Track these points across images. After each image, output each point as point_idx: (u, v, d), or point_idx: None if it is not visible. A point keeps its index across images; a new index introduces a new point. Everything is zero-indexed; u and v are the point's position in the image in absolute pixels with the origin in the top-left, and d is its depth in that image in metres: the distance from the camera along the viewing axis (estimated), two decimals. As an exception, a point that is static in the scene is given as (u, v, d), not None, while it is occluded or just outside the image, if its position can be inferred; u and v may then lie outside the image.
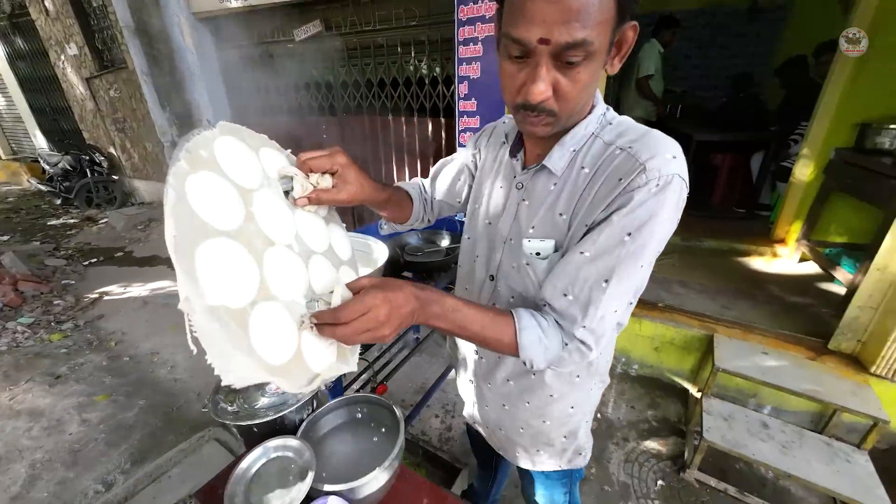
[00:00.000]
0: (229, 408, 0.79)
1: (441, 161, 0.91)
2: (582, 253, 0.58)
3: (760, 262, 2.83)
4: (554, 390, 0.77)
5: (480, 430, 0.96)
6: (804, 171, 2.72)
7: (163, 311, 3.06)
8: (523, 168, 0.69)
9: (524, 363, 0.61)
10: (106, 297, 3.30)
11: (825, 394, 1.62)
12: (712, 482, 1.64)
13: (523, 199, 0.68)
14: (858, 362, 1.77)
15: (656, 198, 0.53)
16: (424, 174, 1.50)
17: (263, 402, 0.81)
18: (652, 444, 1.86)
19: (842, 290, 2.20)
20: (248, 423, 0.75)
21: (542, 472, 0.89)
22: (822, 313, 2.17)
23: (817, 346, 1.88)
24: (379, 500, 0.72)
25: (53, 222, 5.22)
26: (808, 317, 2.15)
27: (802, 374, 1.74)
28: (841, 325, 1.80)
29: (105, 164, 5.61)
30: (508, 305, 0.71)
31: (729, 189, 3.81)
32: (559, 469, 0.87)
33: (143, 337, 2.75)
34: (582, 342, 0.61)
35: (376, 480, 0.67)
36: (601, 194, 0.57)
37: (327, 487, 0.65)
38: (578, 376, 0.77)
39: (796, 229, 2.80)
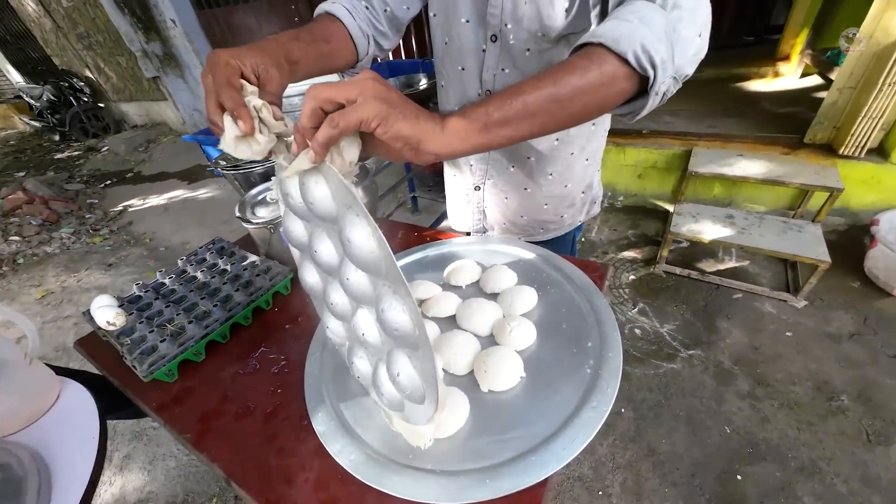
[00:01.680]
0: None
1: None
2: None
3: (759, 84, 2.71)
4: (575, 146, 0.77)
5: (491, 233, 0.96)
6: (818, -36, 2.42)
7: (183, 213, 3.30)
8: None
9: (643, 64, 0.41)
10: (130, 209, 3.56)
11: (787, 176, 1.72)
12: (677, 271, 1.87)
13: None
14: (830, 149, 1.82)
15: None
16: None
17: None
18: (629, 253, 2.08)
19: (835, 92, 2.14)
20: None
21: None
22: (809, 117, 2.16)
23: (793, 142, 1.92)
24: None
25: (60, 156, 5.35)
26: (793, 121, 2.14)
27: (774, 167, 1.82)
28: (818, 115, 1.81)
29: (87, 90, 5.47)
30: (526, 59, 0.64)
31: (739, 13, 3.43)
32: (577, 224, 0.92)
33: (171, 233, 3.04)
34: None
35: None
36: None
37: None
38: (594, 124, 0.77)
39: (801, 41, 2.60)
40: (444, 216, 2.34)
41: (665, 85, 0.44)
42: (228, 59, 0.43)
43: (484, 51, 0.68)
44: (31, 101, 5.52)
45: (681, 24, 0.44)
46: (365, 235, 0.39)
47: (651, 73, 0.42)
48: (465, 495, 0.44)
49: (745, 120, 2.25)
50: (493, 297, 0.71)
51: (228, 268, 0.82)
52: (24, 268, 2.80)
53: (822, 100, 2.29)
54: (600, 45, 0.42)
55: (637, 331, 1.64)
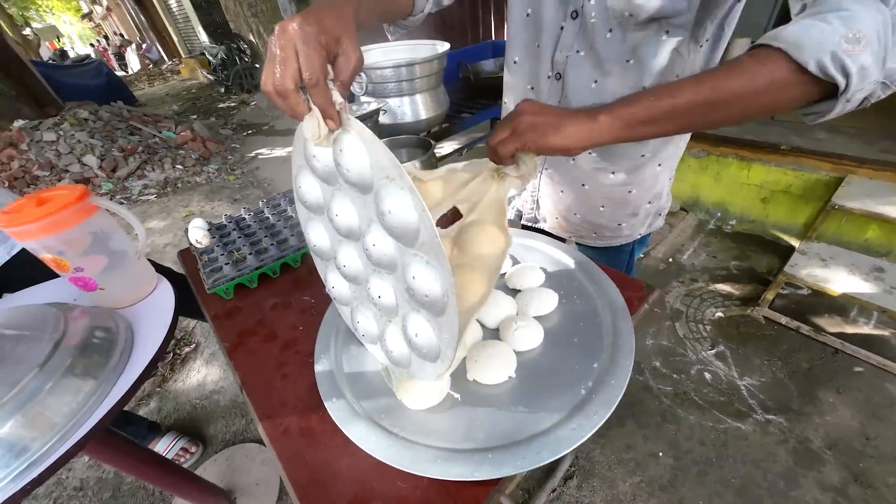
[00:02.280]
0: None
1: None
2: None
3: None
4: (647, 147, 0.71)
5: (542, 225, 0.91)
6: None
7: (297, 165, 3.80)
8: None
9: (829, 71, 0.37)
10: (259, 156, 4.20)
11: None
12: (783, 320, 1.55)
13: None
14: None
15: None
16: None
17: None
18: (724, 287, 1.78)
19: None
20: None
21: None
22: None
23: None
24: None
25: (221, 105, 6.51)
26: None
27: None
28: None
29: (248, 52, 6.50)
30: (605, 41, 0.60)
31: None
32: (637, 237, 0.85)
33: (285, 182, 3.52)
34: None
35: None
36: None
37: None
38: None
39: None
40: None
41: (865, 92, 0.39)
42: (320, 38, 0.38)
43: (562, 28, 0.64)
44: (210, 58, 6.77)
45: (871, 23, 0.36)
46: (407, 208, 0.40)
47: (842, 81, 0.38)
48: (415, 466, 0.45)
49: (944, 150, 1.69)
50: (515, 293, 0.68)
51: (294, 215, 0.94)
52: (180, 191, 3.54)
53: None
54: (778, 49, 0.39)
55: (707, 375, 1.42)
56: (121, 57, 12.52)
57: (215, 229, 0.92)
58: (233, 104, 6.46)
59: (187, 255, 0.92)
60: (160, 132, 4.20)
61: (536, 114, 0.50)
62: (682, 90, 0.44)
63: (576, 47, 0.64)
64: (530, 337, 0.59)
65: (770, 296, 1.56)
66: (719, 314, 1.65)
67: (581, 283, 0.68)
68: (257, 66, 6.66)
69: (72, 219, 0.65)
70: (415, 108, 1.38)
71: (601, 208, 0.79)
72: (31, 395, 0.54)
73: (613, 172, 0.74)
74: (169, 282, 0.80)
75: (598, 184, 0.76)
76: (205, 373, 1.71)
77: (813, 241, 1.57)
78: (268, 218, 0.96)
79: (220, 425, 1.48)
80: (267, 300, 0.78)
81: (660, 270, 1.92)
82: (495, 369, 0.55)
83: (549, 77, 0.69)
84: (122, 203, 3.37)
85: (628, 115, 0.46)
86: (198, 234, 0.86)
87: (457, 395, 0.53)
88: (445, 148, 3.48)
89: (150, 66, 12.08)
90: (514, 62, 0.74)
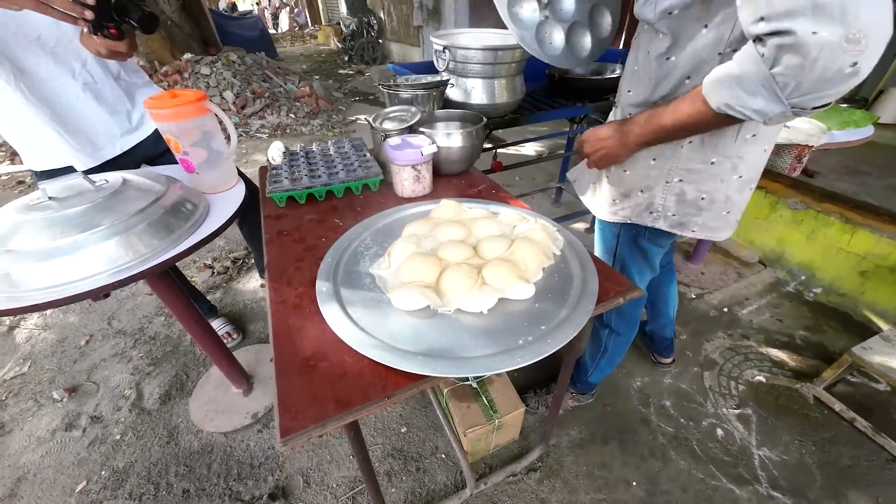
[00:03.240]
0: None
1: None
2: None
3: None
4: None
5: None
6: None
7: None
8: None
9: (724, 111, 0.57)
10: (357, 121, 4.62)
11: None
12: (837, 406, 1.35)
13: None
14: None
15: None
16: None
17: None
18: (777, 353, 1.59)
19: None
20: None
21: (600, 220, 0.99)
22: None
23: None
24: (455, 159, 1.05)
25: (341, 71, 7.19)
26: None
27: None
28: None
29: (375, 27, 7.06)
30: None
31: None
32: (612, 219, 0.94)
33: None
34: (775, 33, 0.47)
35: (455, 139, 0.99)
36: None
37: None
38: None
39: None
40: (580, 214, 2.24)
41: (775, 120, 0.56)
42: None
43: None
44: (343, 28, 7.50)
45: (790, 75, 0.49)
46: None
47: (741, 118, 0.58)
48: (360, 347, 0.56)
49: None
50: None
51: (351, 156, 1.10)
52: (287, 136, 4.06)
53: None
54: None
55: (719, 431, 1.31)
56: (275, 17, 14.37)
57: (289, 153, 1.11)
58: (350, 72, 7.10)
59: (264, 170, 1.13)
60: (286, 84, 4.83)
61: (598, 138, 0.83)
62: (659, 117, 0.69)
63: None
64: (519, 291, 0.65)
65: (829, 375, 1.37)
66: (760, 378, 1.49)
67: (569, 262, 0.72)
68: (381, 41, 7.22)
69: (190, 113, 0.87)
70: (490, 90, 1.45)
71: (624, 171, 0.87)
72: (127, 227, 0.75)
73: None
74: (245, 186, 1.01)
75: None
76: (260, 282, 2.02)
77: (907, 330, 1.33)
78: (331, 154, 1.13)
79: (259, 325, 1.76)
80: (308, 214, 0.94)
81: (708, 316, 1.77)
82: (474, 300, 0.63)
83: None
84: (241, 135, 3.98)
85: (640, 140, 0.75)
86: (275, 152, 1.05)
87: (440, 308, 0.63)
88: (510, 136, 3.53)
89: (296, 28, 13.70)
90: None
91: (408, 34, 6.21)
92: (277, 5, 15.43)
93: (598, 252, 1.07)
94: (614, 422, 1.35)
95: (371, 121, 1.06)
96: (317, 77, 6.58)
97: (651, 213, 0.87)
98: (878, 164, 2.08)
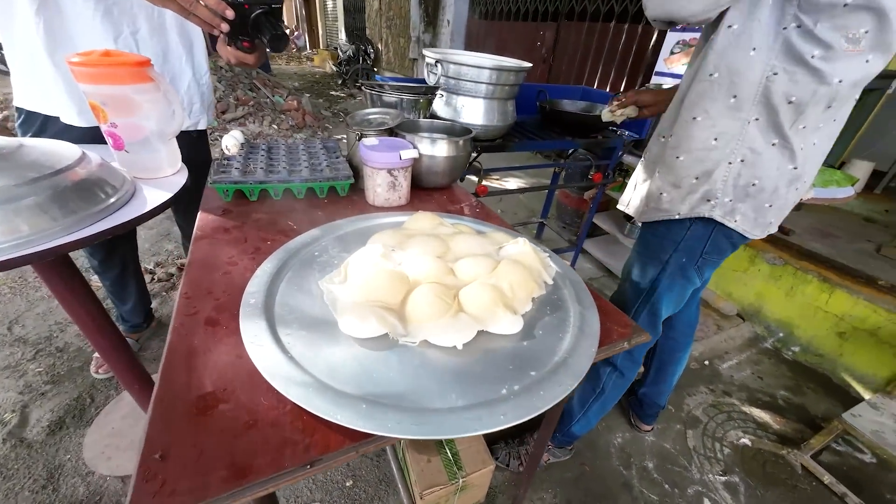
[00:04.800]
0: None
1: None
2: None
3: None
4: (697, 109, 0.78)
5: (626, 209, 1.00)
6: None
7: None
8: None
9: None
10: (343, 140, 4.55)
11: None
12: (826, 478, 1.24)
13: None
14: None
15: None
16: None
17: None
18: (761, 414, 1.50)
19: None
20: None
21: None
22: None
23: None
24: (437, 171, 0.93)
25: (333, 93, 7.22)
26: None
27: None
28: None
29: (371, 56, 7.22)
30: None
31: None
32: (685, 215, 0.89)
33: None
34: None
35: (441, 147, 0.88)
36: None
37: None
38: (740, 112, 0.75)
39: None
40: (563, 250, 2.16)
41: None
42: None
43: None
44: (340, 53, 7.62)
45: None
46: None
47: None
48: (283, 385, 0.40)
49: None
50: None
51: (321, 156, 0.96)
52: (267, 146, 3.91)
53: None
54: None
55: (706, 501, 1.17)
56: (274, 37, 14.60)
57: (248, 144, 0.97)
58: (342, 94, 7.14)
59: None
60: (273, 96, 4.74)
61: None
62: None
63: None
64: (504, 324, 0.51)
65: (817, 443, 1.28)
66: (745, 441, 1.38)
67: (562, 295, 0.60)
68: (375, 69, 7.36)
69: (123, 78, 0.72)
70: (481, 111, 1.39)
71: (656, 172, 0.86)
72: (5, 200, 0.57)
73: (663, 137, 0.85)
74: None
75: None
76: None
77: (894, 397, 1.28)
78: (298, 151, 0.99)
79: (196, 345, 1.51)
80: (257, 213, 0.78)
81: (690, 368, 1.67)
82: (446, 330, 0.49)
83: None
84: (216, 139, 3.80)
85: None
86: (230, 141, 0.91)
87: (402, 338, 0.48)
88: (495, 163, 3.49)
89: (294, 50, 13.92)
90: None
91: (402, 65, 6.35)
92: (278, 26, 15.66)
93: (629, 271, 0.99)
94: (593, 485, 1.18)
95: (347, 117, 0.94)
96: (307, 95, 6.57)
97: (709, 200, 0.80)
98: (846, 228, 2.15)
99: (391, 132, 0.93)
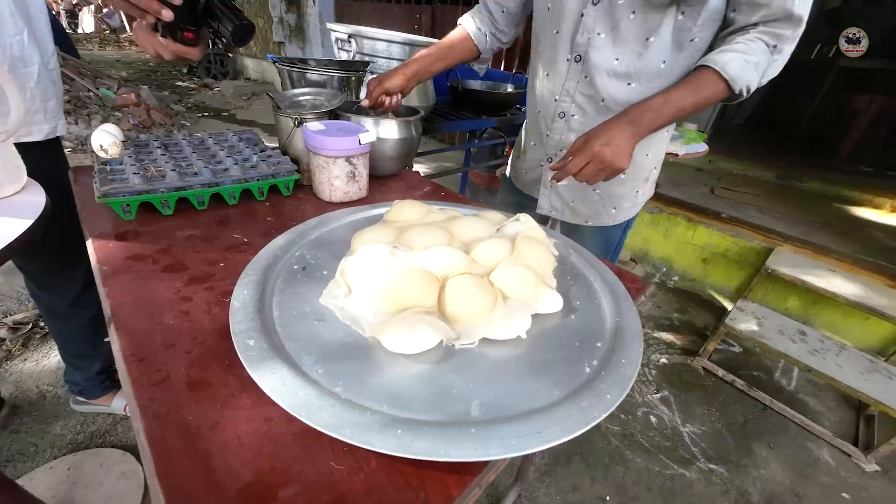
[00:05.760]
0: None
1: None
2: None
3: (868, 212, 2.40)
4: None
5: (557, 216, 0.93)
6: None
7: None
8: None
9: (743, 93, 0.63)
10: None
11: (892, 309, 1.43)
12: (720, 372, 1.59)
13: None
14: (953, 299, 1.50)
15: None
16: None
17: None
18: (667, 335, 1.82)
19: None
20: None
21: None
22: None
23: (904, 278, 1.62)
24: (389, 155, 0.84)
25: (180, 84, 6.03)
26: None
27: (873, 295, 1.53)
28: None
29: (224, 39, 6.21)
30: (628, 23, 0.67)
31: (861, 141, 3.15)
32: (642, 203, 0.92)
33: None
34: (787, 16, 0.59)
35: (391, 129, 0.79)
36: None
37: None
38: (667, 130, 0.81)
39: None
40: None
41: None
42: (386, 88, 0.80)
43: (582, 15, 0.69)
44: (179, 35, 6.35)
45: (773, 66, 0.64)
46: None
47: (745, 95, 0.65)
48: (360, 435, 0.30)
49: (846, 240, 1.96)
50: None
51: (245, 150, 0.78)
52: (105, 153, 3.07)
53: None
54: (719, 74, 0.61)
55: (652, 418, 1.38)
56: (73, 15, 11.40)
57: (132, 142, 0.72)
58: (193, 85, 6.02)
59: (80, 171, 0.71)
60: (97, 88, 3.72)
61: (603, 144, 0.63)
62: (681, 100, 0.64)
63: (597, 30, 0.69)
64: (548, 303, 0.48)
65: (710, 347, 1.61)
66: (664, 360, 1.67)
67: (574, 265, 0.60)
68: (231, 55, 6.37)
69: None
70: (400, 93, 1.30)
71: (622, 176, 0.81)
72: None
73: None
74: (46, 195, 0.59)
75: None
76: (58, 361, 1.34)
77: (749, 301, 1.68)
78: (209, 147, 0.78)
79: (70, 425, 1.12)
80: (182, 230, 0.59)
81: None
82: (503, 322, 0.43)
83: (567, 60, 0.74)
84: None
85: (654, 126, 0.65)
86: (104, 139, 0.66)
87: (458, 342, 0.42)
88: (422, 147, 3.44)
89: (107, 31, 11.11)
90: (538, 51, 0.80)
91: (266, 50, 5.63)
92: (75, 2, 12.38)
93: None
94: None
95: (274, 101, 0.77)
96: (146, 87, 5.37)
97: (653, 183, 0.89)
98: (687, 178, 2.72)
99: (333, 115, 0.80)
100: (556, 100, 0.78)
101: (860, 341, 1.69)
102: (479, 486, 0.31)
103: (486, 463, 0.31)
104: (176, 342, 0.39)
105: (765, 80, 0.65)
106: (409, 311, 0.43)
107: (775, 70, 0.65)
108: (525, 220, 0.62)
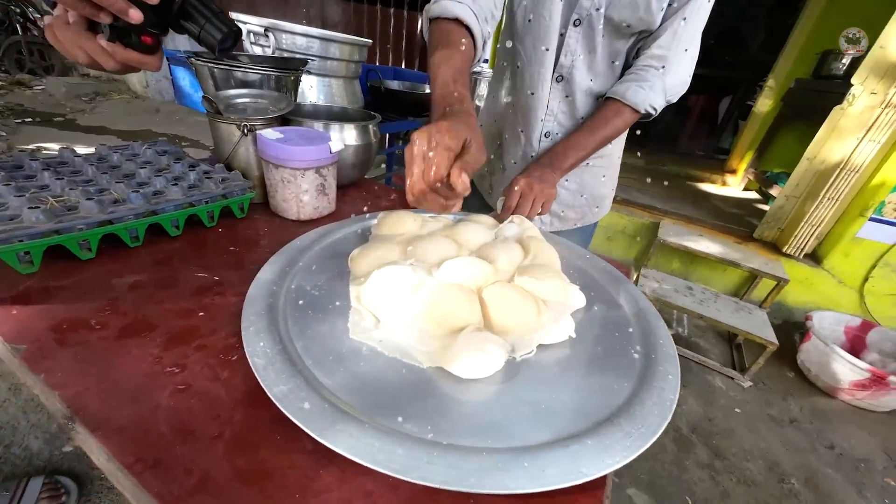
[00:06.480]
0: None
1: None
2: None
3: (710, 187, 3.07)
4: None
5: (547, 229, 0.94)
6: (765, 101, 2.92)
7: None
8: None
9: (650, 112, 0.70)
10: (44, 151, 3.02)
11: (743, 260, 1.86)
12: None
13: None
14: (775, 247, 2.02)
15: None
16: None
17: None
18: (591, 308, 2.06)
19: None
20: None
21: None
22: (751, 220, 2.43)
23: (744, 235, 2.12)
24: (349, 164, 0.77)
25: (-24, 81, 4.58)
26: (739, 221, 2.39)
27: (729, 251, 1.97)
28: (766, 216, 2.03)
29: (42, 24, 4.89)
30: (601, 45, 0.70)
31: (694, 133, 4.02)
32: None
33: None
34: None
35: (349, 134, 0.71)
36: None
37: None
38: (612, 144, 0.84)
39: (747, 160, 3.04)
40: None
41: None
42: (450, 145, 0.44)
43: (562, 35, 0.70)
44: (-36, 17, 4.79)
45: (671, 90, 0.72)
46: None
47: (656, 113, 0.72)
48: (486, 481, 0.27)
49: (703, 210, 2.48)
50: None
51: (170, 165, 0.62)
52: None
53: (761, 209, 2.63)
54: (624, 104, 0.69)
55: (597, 383, 1.56)
56: None
57: (4, 171, 0.52)
58: (1, 83, 4.63)
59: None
60: None
61: (540, 183, 0.68)
62: (589, 143, 0.71)
63: (579, 51, 0.71)
64: (575, 299, 0.50)
65: (628, 312, 1.87)
66: (594, 330, 1.88)
67: (574, 262, 0.63)
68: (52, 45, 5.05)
69: None
70: (327, 92, 1.20)
71: (602, 178, 0.87)
72: None
73: (589, 163, 0.85)
74: None
75: (598, 157, 0.83)
76: None
77: (649, 268, 2.00)
78: (118, 166, 0.61)
79: None
80: (120, 277, 0.45)
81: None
82: (552, 326, 0.43)
83: (552, 78, 0.74)
84: None
85: (567, 168, 0.72)
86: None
87: (517, 355, 0.40)
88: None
89: None
90: (518, 67, 0.76)
91: (110, 40, 4.62)
92: None
93: None
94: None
95: (210, 106, 0.63)
96: (-83, 85, 3.96)
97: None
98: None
99: (283, 120, 0.69)
100: (542, 120, 0.78)
101: (723, 288, 2.15)
102: (608, 496, 0.31)
103: (605, 475, 0.30)
104: (193, 428, 0.30)
105: (670, 97, 0.72)
106: (466, 332, 0.40)
107: (676, 86, 0.72)
108: (520, 221, 0.63)
